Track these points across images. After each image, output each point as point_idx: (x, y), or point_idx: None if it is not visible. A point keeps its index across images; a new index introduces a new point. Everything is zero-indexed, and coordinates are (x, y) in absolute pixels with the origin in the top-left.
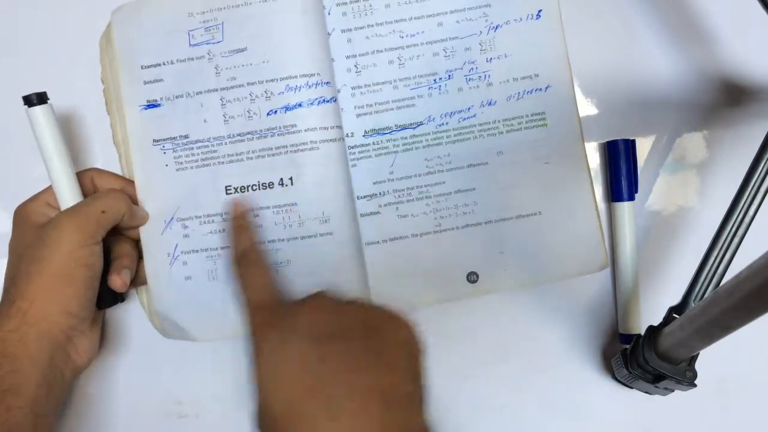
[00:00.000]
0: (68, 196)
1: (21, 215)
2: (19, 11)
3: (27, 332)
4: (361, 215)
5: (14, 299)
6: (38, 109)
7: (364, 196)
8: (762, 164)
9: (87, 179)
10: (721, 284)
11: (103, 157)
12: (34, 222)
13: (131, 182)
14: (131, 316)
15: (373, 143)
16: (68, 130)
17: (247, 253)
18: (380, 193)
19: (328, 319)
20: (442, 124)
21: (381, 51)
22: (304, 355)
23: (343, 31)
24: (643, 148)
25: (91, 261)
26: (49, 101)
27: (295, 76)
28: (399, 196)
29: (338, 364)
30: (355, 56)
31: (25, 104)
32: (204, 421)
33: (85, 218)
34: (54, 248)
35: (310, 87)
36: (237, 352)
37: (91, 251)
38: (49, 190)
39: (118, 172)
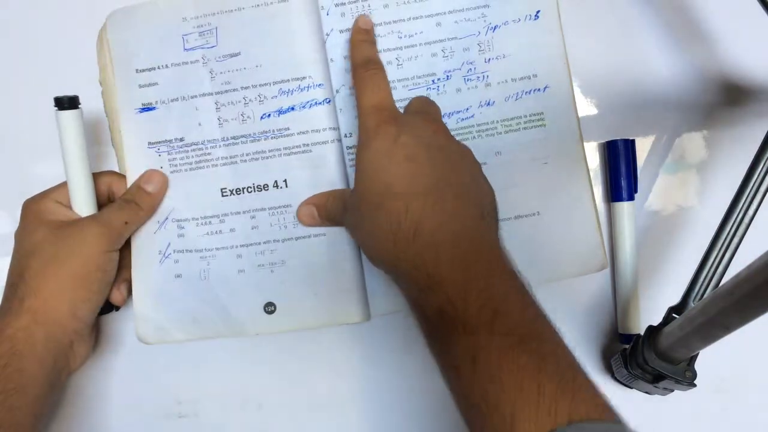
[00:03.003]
0: (83, 199)
1: (32, 211)
2: (23, 11)
3: (35, 332)
4: None
5: (24, 296)
6: (69, 114)
7: None
8: (761, 164)
9: (104, 184)
10: (721, 284)
11: (105, 157)
12: (47, 220)
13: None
14: (131, 317)
15: None
16: None
17: (370, 59)
18: None
19: (437, 132)
20: None
21: (379, 51)
22: (414, 151)
23: (341, 31)
24: (643, 148)
25: (108, 267)
26: (80, 106)
27: (288, 80)
28: None
29: (440, 165)
30: None
31: (55, 106)
32: (204, 421)
33: (110, 227)
34: (77, 251)
35: (301, 90)
36: (237, 352)
37: (110, 258)
38: (60, 188)
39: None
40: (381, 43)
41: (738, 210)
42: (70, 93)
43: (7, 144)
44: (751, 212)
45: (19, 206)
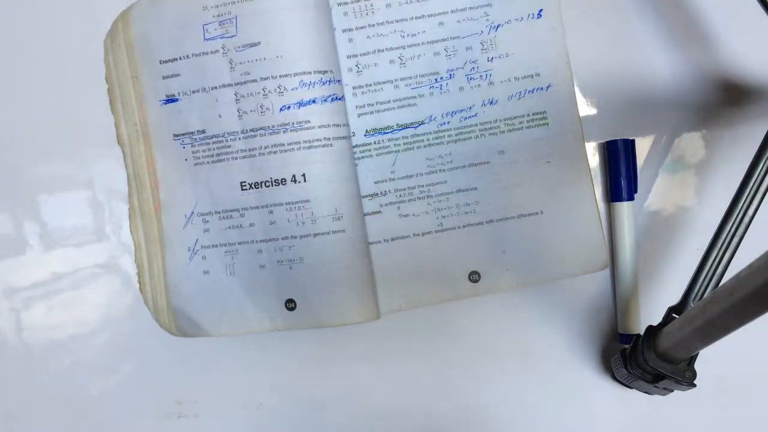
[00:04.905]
0: None
1: None
2: (18, 14)
3: None
4: (364, 214)
5: None
6: None
7: (366, 196)
8: (761, 164)
9: None
10: (721, 284)
11: (108, 158)
12: None
13: None
14: (131, 316)
15: (375, 143)
16: (70, 132)
17: None
18: (381, 193)
19: None
20: (444, 123)
21: (382, 51)
22: None
23: (344, 30)
24: (643, 147)
25: None
26: None
27: (310, 72)
28: (400, 196)
29: None
30: (357, 56)
31: None
32: (204, 421)
33: None
34: None
35: (324, 84)
36: (237, 352)
37: None
38: None
39: (123, 171)
40: (384, 42)
41: (738, 210)
42: (69, 92)
43: (7, 144)
44: (751, 212)
45: (20, 206)
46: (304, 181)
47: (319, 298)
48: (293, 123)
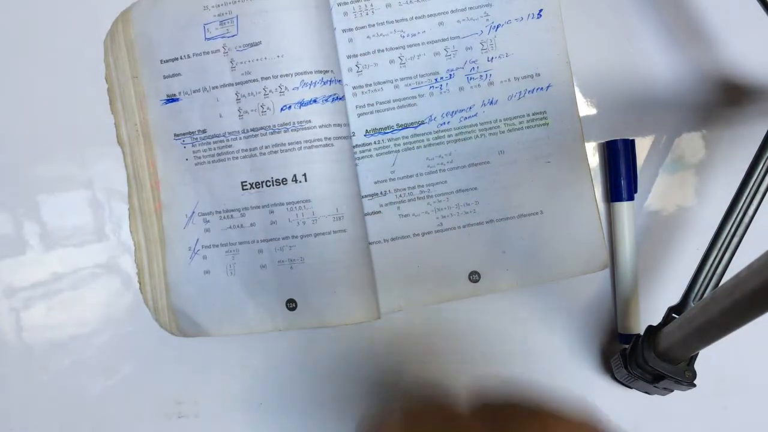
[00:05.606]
0: None
1: None
2: (18, 14)
3: None
4: (364, 214)
5: None
6: None
7: (366, 196)
8: (761, 164)
9: None
10: (721, 284)
11: (108, 158)
12: None
13: None
14: (131, 316)
15: (375, 143)
16: (70, 132)
17: None
18: (381, 193)
19: None
20: (444, 123)
21: (382, 51)
22: None
23: (344, 30)
24: (643, 147)
25: None
26: None
27: (311, 72)
28: (400, 196)
29: None
30: (356, 56)
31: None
32: (204, 421)
33: None
34: None
35: (324, 83)
36: (237, 352)
37: None
38: None
39: (123, 171)
40: (383, 42)
41: (738, 210)
42: (69, 91)
43: (7, 144)
44: (751, 212)
45: (20, 206)
46: (305, 180)
47: (319, 298)
48: (294, 123)
